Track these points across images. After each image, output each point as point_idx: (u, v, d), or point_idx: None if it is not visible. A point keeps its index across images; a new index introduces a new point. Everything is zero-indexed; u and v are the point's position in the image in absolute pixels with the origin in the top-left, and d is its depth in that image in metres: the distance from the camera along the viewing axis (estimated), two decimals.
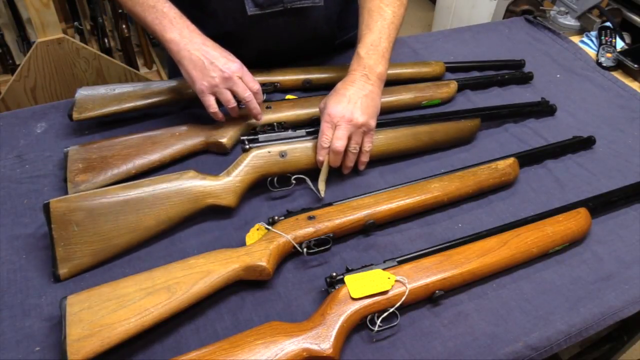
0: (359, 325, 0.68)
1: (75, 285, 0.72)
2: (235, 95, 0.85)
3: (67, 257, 0.72)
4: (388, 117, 0.96)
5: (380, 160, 0.93)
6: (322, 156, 0.83)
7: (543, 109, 1.10)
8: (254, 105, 0.87)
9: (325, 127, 0.82)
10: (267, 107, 0.97)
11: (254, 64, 1.06)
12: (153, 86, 0.99)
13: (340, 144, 0.81)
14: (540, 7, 1.61)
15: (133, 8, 0.86)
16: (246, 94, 0.84)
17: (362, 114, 0.82)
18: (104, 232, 0.74)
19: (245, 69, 0.85)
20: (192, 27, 0.85)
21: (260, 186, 0.88)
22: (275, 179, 0.85)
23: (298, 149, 0.85)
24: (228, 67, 0.82)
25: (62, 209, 0.72)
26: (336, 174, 0.91)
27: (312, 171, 0.88)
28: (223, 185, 0.81)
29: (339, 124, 0.82)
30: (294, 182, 0.85)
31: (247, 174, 0.83)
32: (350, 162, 0.86)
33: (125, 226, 0.75)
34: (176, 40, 0.83)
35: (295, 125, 0.97)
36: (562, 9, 1.54)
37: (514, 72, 1.22)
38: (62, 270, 0.71)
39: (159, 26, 0.83)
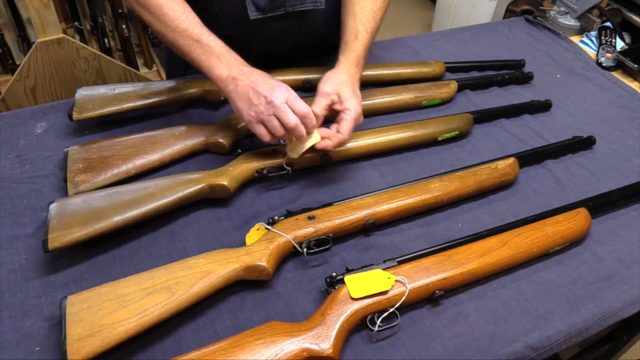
0: (359, 325, 0.68)
1: (75, 285, 0.72)
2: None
3: (58, 227, 0.72)
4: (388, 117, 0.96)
5: (376, 154, 0.95)
6: (334, 146, 0.83)
7: (536, 105, 1.11)
8: (299, 134, 0.79)
9: (352, 125, 0.82)
10: None
11: (254, 66, 1.06)
12: (153, 86, 0.98)
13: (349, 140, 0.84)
14: (540, 7, 1.61)
15: (175, 41, 0.84)
16: (291, 122, 0.76)
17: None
18: (98, 208, 0.75)
19: (292, 93, 0.78)
20: (239, 59, 0.82)
21: (261, 186, 0.88)
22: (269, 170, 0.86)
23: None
24: (271, 93, 0.77)
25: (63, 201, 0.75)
26: (336, 174, 0.91)
27: (308, 168, 0.89)
28: (220, 170, 0.84)
29: (358, 122, 0.84)
30: (288, 168, 0.85)
31: (243, 162, 0.85)
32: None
33: (120, 203, 0.76)
34: (223, 77, 0.81)
35: None
36: (562, 9, 1.54)
37: (514, 72, 1.21)
38: (52, 235, 0.70)
39: (206, 62, 0.82)
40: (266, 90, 0.77)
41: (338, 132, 0.82)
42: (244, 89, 0.79)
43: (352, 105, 0.81)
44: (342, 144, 0.82)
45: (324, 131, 0.83)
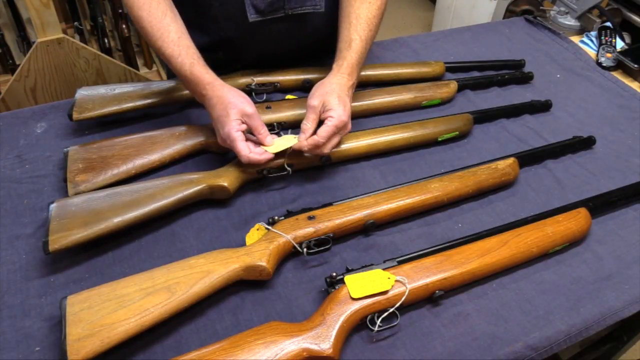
0: (359, 325, 0.68)
1: (75, 285, 0.72)
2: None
3: (59, 229, 0.72)
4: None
5: (377, 154, 0.95)
6: (308, 147, 0.83)
7: (536, 105, 1.11)
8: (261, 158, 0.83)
9: (331, 130, 0.83)
10: (267, 107, 0.97)
11: (254, 67, 1.07)
12: (153, 86, 0.99)
13: (329, 148, 0.85)
14: (540, 7, 1.61)
15: (163, 59, 0.88)
16: (243, 158, 0.81)
17: (350, 122, 0.87)
18: (98, 209, 0.75)
19: (234, 135, 0.80)
20: (202, 81, 0.84)
21: (261, 186, 0.88)
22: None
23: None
24: (219, 137, 0.84)
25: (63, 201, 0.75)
26: (336, 174, 0.91)
27: (308, 168, 0.90)
28: (220, 170, 0.84)
29: (342, 133, 0.85)
30: (288, 169, 0.86)
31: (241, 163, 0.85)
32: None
33: (120, 204, 0.76)
34: (199, 102, 0.88)
35: (295, 125, 0.97)
36: (562, 9, 1.54)
37: (514, 72, 1.22)
38: (52, 237, 0.71)
39: (186, 85, 0.88)
40: (217, 130, 0.84)
41: (316, 134, 0.83)
42: (213, 122, 0.85)
43: (336, 114, 0.83)
44: (317, 146, 0.83)
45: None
